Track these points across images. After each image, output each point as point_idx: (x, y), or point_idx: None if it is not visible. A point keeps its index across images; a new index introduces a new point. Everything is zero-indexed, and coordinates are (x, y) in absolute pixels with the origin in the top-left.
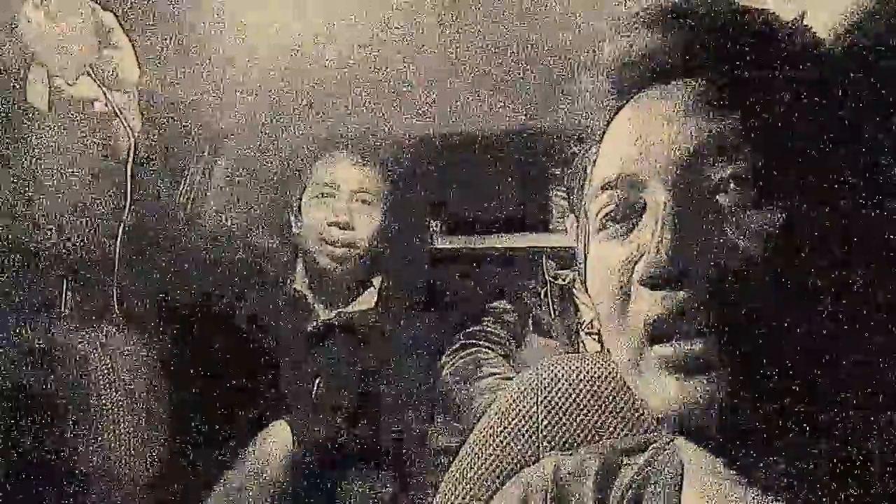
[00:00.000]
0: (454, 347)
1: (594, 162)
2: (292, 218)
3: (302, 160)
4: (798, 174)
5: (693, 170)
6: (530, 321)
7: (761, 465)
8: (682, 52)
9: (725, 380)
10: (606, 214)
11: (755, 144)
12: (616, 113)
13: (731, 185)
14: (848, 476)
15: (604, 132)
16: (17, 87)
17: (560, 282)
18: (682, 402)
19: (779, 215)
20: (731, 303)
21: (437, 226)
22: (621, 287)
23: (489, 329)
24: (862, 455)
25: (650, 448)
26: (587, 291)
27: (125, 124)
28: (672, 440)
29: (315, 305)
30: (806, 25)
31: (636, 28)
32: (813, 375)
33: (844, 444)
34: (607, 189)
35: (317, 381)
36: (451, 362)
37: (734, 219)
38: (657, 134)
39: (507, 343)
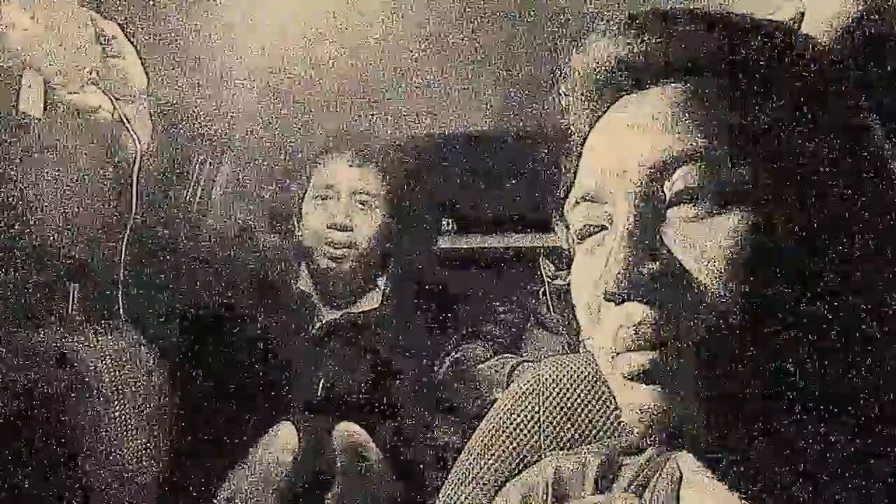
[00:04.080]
0: (452, 349)
1: (576, 172)
2: (294, 220)
3: (304, 162)
4: (769, 178)
5: (653, 183)
6: (532, 318)
7: (745, 473)
8: (652, 61)
9: (682, 391)
10: (583, 227)
11: (714, 153)
12: (595, 123)
13: (686, 198)
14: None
15: (583, 142)
16: (10, 92)
17: (558, 282)
18: (647, 412)
19: (737, 225)
20: (685, 317)
21: (440, 225)
22: (594, 300)
23: (488, 330)
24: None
25: (650, 448)
26: None
27: (132, 133)
28: None
29: (320, 306)
30: (788, 25)
31: (605, 38)
32: (771, 383)
33: (805, 451)
34: (581, 202)
35: (321, 382)
36: (449, 364)
37: (690, 231)
38: (627, 146)
39: (506, 344)
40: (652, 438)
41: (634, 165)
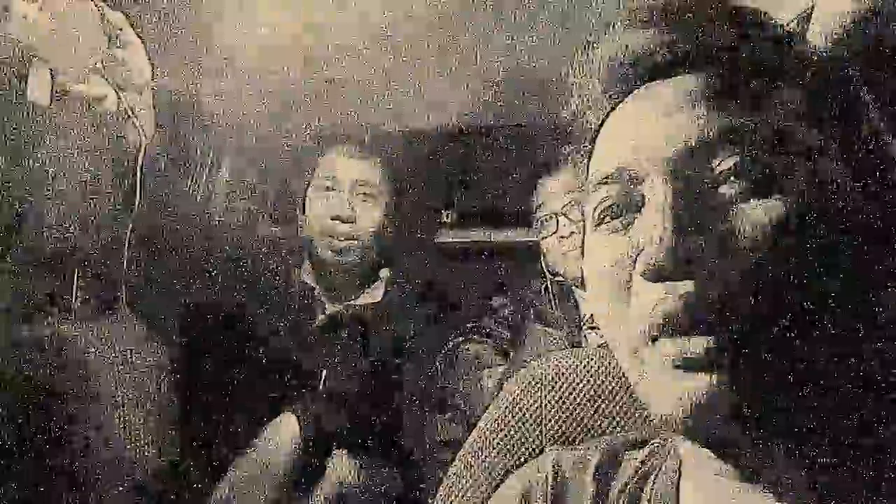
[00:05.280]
0: (451, 344)
1: (589, 159)
2: (298, 212)
3: (308, 154)
4: (799, 163)
5: (693, 162)
6: (532, 314)
7: (764, 463)
8: (674, 50)
9: (730, 378)
10: (604, 210)
11: (754, 135)
12: (610, 111)
13: (732, 177)
14: (853, 474)
15: (597, 131)
16: (17, 83)
17: (560, 278)
18: (686, 401)
19: (780, 205)
20: (734, 294)
21: (444, 217)
22: (622, 281)
23: (488, 326)
24: (868, 453)
25: (650, 443)
26: (584, 285)
27: (136, 124)
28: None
29: (322, 298)
30: (789, 25)
31: (628, 29)
32: (820, 370)
33: (852, 441)
34: (604, 184)
35: (324, 374)
36: (447, 359)
37: (735, 210)
38: (654, 128)
39: (506, 339)
40: (692, 431)
41: (672, 145)
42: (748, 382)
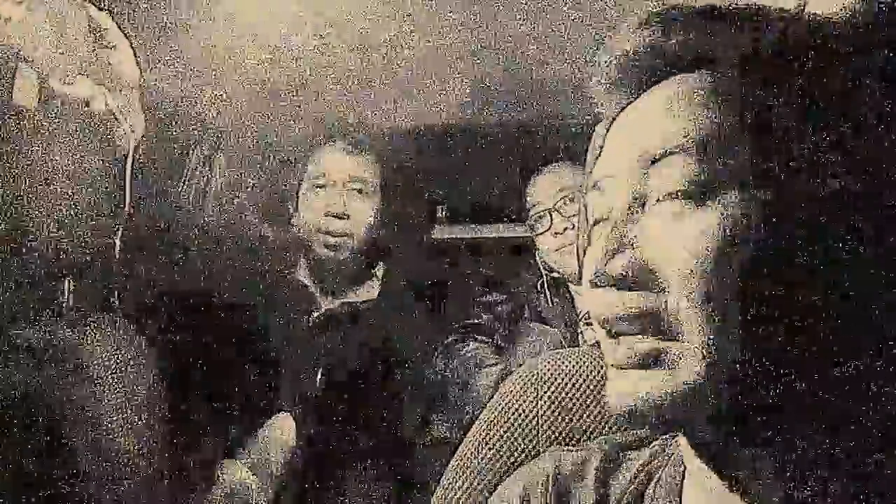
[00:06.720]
0: (447, 342)
1: (597, 159)
2: (291, 209)
3: (300, 152)
4: (780, 161)
5: (644, 174)
6: (527, 310)
7: (738, 463)
8: (673, 52)
9: (673, 375)
10: (595, 215)
11: (736, 135)
12: (619, 113)
13: (669, 193)
14: (834, 469)
15: (607, 131)
16: (3, 85)
17: (555, 274)
18: (628, 398)
19: (756, 201)
20: (652, 310)
21: (438, 213)
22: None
23: (484, 323)
24: (838, 448)
25: (652, 444)
26: (579, 281)
27: (125, 126)
28: (674, 437)
29: (318, 296)
30: (797, 15)
31: (638, 29)
32: (784, 370)
33: (821, 433)
34: (594, 188)
35: (319, 372)
36: (443, 356)
37: (660, 230)
38: (633, 137)
39: (502, 336)
40: (637, 425)
41: (635, 156)
42: (694, 380)
